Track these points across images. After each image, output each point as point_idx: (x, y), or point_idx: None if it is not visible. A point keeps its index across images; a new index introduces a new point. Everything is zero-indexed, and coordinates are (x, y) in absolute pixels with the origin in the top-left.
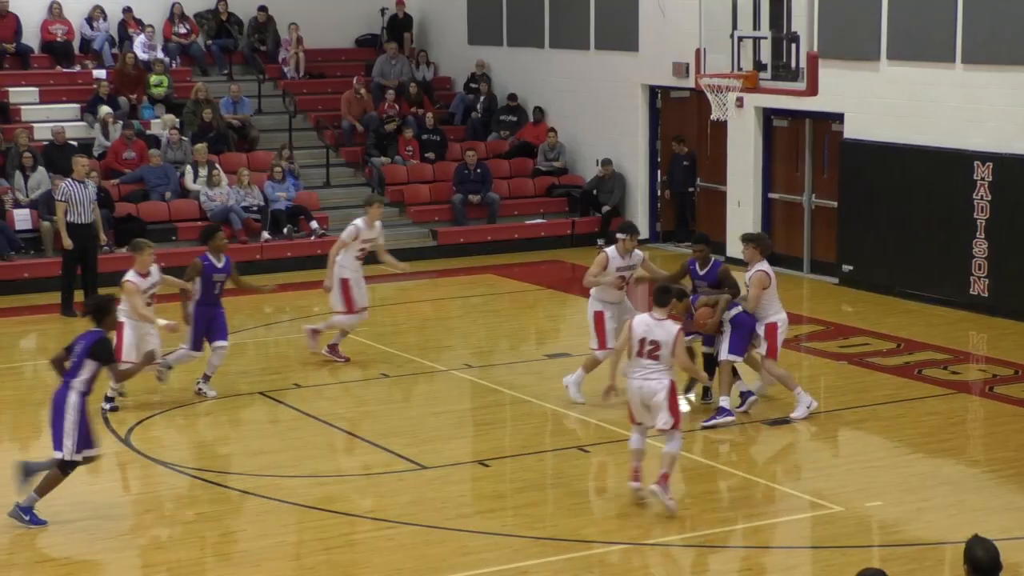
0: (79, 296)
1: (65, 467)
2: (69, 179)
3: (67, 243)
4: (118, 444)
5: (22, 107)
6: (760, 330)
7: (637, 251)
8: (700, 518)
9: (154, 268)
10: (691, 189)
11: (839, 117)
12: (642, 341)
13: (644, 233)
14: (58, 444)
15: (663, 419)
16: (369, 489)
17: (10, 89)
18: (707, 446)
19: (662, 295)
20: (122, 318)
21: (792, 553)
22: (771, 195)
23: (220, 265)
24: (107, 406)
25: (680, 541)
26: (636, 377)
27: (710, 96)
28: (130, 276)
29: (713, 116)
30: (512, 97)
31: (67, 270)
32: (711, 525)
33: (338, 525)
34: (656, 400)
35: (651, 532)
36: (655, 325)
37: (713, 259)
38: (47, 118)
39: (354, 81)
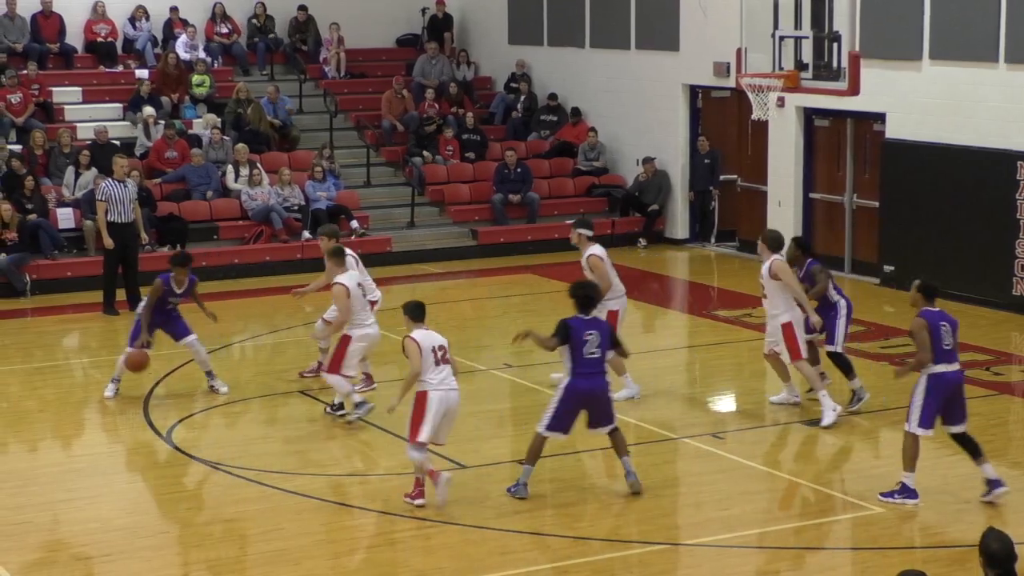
0: (121, 295)
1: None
2: (109, 179)
3: (108, 243)
4: (159, 442)
5: (65, 107)
6: (778, 331)
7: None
8: (740, 519)
9: None
10: (712, 188)
11: (881, 117)
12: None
13: (685, 233)
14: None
15: None
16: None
17: (54, 89)
18: (747, 447)
19: None
20: None
21: (832, 554)
22: (812, 195)
23: (179, 291)
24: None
25: (720, 541)
26: None
27: (751, 96)
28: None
29: (754, 116)
30: (552, 97)
31: (108, 269)
32: (751, 526)
33: (378, 524)
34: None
35: (691, 532)
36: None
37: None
38: (90, 118)
39: (394, 81)
